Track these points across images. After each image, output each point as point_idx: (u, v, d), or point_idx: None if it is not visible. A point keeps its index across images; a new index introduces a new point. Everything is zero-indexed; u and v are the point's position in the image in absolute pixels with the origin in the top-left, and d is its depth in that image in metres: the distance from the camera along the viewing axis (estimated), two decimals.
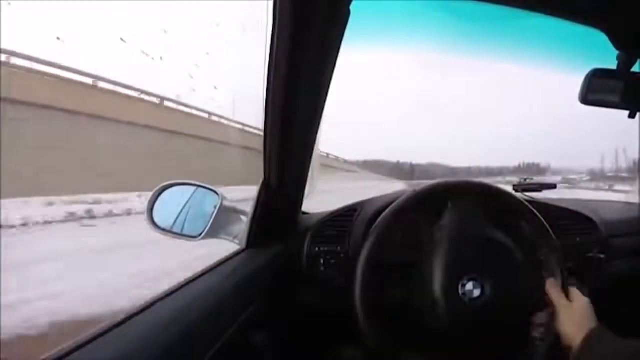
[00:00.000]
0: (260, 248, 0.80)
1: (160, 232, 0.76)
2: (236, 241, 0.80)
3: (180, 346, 0.47)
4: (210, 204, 0.79)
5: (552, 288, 0.68)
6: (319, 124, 0.72)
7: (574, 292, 0.68)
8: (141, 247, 2.99)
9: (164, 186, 0.78)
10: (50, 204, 4.53)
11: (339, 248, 0.87)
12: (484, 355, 0.71)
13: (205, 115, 7.26)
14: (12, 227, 3.72)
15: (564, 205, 0.95)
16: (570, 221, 0.91)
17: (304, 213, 0.96)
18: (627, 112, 0.79)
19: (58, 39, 5.02)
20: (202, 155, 6.29)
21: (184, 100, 6.69)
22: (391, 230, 0.75)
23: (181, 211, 0.79)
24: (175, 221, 0.78)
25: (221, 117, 7.30)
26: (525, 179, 0.97)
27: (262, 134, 0.69)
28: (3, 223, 3.56)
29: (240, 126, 6.97)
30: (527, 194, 0.94)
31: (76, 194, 4.74)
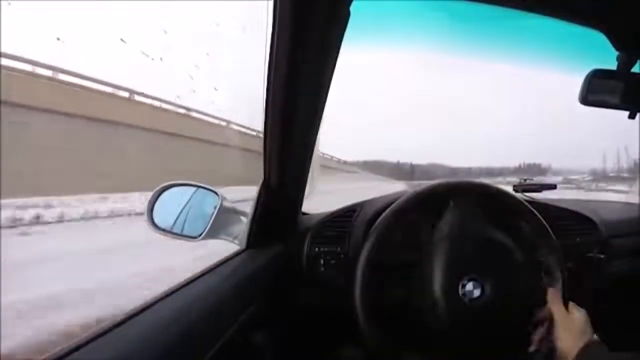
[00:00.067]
0: (260, 248, 0.80)
1: (160, 233, 0.76)
2: (236, 241, 0.80)
3: (180, 346, 0.47)
4: (210, 204, 0.79)
5: (553, 299, 0.68)
6: (319, 124, 0.72)
7: (572, 305, 0.67)
8: None
9: (163, 187, 0.78)
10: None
11: (339, 248, 0.87)
12: (484, 356, 0.71)
13: (205, 117, 7.25)
14: None
15: (564, 205, 0.95)
16: (570, 221, 0.91)
17: (304, 213, 0.96)
18: (627, 113, 0.79)
19: (58, 39, 5.01)
20: (202, 156, 6.29)
21: (184, 101, 6.70)
22: (391, 230, 0.75)
23: (181, 212, 0.79)
24: (175, 222, 0.78)
25: (220, 119, 7.30)
26: (525, 179, 0.97)
27: (261, 135, 0.69)
28: None
29: (239, 127, 6.98)
30: (527, 194, 0.94)
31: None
